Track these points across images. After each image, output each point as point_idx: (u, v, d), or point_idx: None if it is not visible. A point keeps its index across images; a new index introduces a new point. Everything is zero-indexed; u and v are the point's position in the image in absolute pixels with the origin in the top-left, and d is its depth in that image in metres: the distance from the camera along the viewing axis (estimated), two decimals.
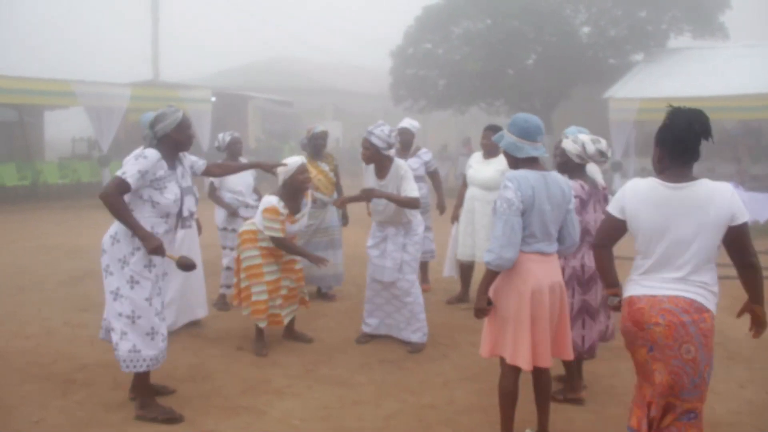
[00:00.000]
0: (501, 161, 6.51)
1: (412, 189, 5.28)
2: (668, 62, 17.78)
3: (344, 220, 7.13)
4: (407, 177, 5.32)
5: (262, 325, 5.33)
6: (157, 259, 4.05)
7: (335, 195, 6.86)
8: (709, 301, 2.99)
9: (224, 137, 6.80)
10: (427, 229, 7.03)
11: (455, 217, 6.79)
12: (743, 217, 2.95)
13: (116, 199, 3.89)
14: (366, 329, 5.74)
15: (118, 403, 4.37)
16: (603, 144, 4.40)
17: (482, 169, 6.46)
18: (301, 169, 5.26)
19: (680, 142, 3.00)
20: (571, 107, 19.40)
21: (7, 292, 7.22)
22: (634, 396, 3.25)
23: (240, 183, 6.68)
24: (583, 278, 4.33)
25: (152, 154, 3.97)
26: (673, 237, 2.99)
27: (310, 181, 5.44)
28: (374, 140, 5.26)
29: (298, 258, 5.50)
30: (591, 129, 4.67)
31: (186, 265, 4.09)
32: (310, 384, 4.76)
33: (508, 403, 3.72)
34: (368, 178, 5.49)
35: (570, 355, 3.79)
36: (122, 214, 3.90)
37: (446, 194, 7.38)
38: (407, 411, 4.33)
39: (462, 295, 6.96)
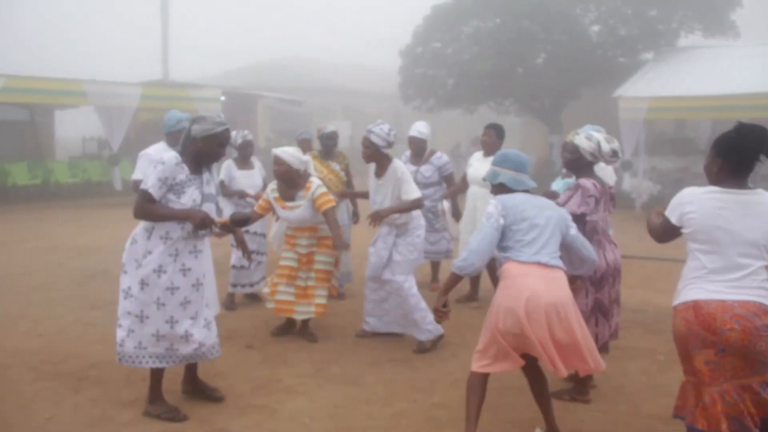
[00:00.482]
0: None
1: (412, 191, 5.38)
2: (678, 61, 17.69)
3: (354, 217, 7.20)
4: (405, 179, 5.39)
5: (270, 306, 5.60)
6: (178, 266, 4.02)
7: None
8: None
9: (236, 137, 6.83)
10: (443, 228, 7.02)
11: (457, 216, 6.85)
12: None
13: (149, 210, 3.96)
14: (366, 327, 5.80)
15: (129, 401, 4.40)
16: (616, 144, 4.41)
17: (482, 167, 6.47)
18: (276, 161, 5.41)
19: (746, 157, 3.13)
20: (581, 106, 19.33)
21: (20, 291, 7.27)
22: (686, 405, 3.22)
23: (249, 185, 6.74)
24: (596, 277, 4.32)
25: (170, 158, 3.96)
26: (737, 241, 3.06)
27: (281, 171, 5.40)
28: (373, 138, 5.35)
29: (321, 258, 5.56)
30: (600, 127, 4.63)
31: (240, 220, 4.27)
32: (320, 383, 4.78)
33: (472, 398, 3.64)
34: (371, 178, 5.56)
35: (600, 366, 3.71)
36: (160, 216, 3.98)
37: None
38: (417, 410, 4.33)
39: (472, 294, 6.97)
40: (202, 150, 4.05)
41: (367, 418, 4.21)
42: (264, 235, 6.80)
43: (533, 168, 18.69)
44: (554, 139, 19.84)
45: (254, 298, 6.90)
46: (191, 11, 46.76)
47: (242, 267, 6.61)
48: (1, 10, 52.01)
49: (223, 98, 18.61)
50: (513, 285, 3.53)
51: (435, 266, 7.47)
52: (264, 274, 6.83)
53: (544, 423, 3.89)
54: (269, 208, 5.53)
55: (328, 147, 6.89)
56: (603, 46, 19.94)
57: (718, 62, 16.48)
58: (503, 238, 3.64)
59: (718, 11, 19.13)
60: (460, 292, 7.17)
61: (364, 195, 5.46)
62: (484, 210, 6.32)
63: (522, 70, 20.28)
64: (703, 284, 3.11)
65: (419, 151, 7.05)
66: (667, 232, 3.32)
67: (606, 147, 4.33)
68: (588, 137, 4.37)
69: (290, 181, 5.41)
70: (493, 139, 6.58)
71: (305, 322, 5.71)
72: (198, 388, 4.43)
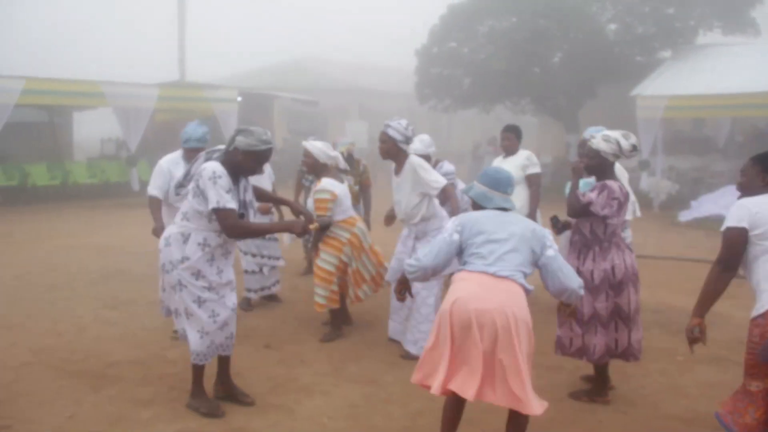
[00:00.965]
0: (519, 157, 6.59)
1: (434, 180, 5.19)
2: (697, 59, 17.50)
3: (366, 224, 7.21)
4: (423, 170, 5.20)
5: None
6: (214, 269, 4.10)
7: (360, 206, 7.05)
8: None
9: None
10: None
11: None
12: None
13: (239, 226, 4.02)
14: (389, 333, 5.74)
15: (147, 399, 4.43)
16: (634, 138, 4.36)
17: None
18: (305, 153, 5.68)
19: None
20: (598, 105, 19.21)
21: (39, 290, 7.35)
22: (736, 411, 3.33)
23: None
24: (615, 280, 4.24)
25: (222, 172, 3.94)
26: None
27: (308, 163, 5.67)
28: (391, 132, 5.22)
29: (324, 256, 5.57)
30: (618, 127, 4.59)
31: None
32: (338, 382, 4.79)
33: (444, 415, 3.55)
34: (392, 176, 5.52)
35: (531, 408, 3.21)
36: (254, 231, 4.15)
37: None
38: (435, 410, 4.31)
39: None
40: (241, 163, 4.03)
41: (385, 417, 4.21)
42: (276, 239, 6.79)
43: (550, 167, 18.63)
44: (571, 139, 19.71)
45: (272, 299, 6.90)
46: (208, 13, 47.00)
47: (254, 272, 6.64)
48: (21, 14, 52.61)
49: (239, 99, 18.66)
50: (450, 291, 3.43)
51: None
52: (278, 278, 6.84)
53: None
54: None
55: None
56: (620, 44, 19.79)
57: (738, 60, 16.28)
58: (464, 253, 3.53)
59: (738, 8, 18.91)
60: None
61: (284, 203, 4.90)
62: None
63: (538, 69, 20.19)
64: None
65: None
66: (741, 242, 3.36)
67: (625, 144, 4.29)
68: (606, 139, 4.32)
69: (315, 173, 5.70)
70: (513, 141, 6.63)
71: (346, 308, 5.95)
72: (230, 391, 4.44)
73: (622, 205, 4.23)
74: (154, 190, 5.60)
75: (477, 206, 3.71)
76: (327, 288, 5.55)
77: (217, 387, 4.44)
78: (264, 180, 6.84)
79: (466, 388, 3.23)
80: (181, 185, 4.28)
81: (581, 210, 4.26)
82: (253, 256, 6.60)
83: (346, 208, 5.58)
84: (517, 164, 6.49)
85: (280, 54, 38.13)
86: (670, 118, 15.80)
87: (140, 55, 48.70)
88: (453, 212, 5.46)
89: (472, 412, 4.24)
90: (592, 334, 4.28)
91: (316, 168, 5.62)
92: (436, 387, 3.29)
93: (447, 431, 3.52)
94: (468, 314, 3.24)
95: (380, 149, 5.39)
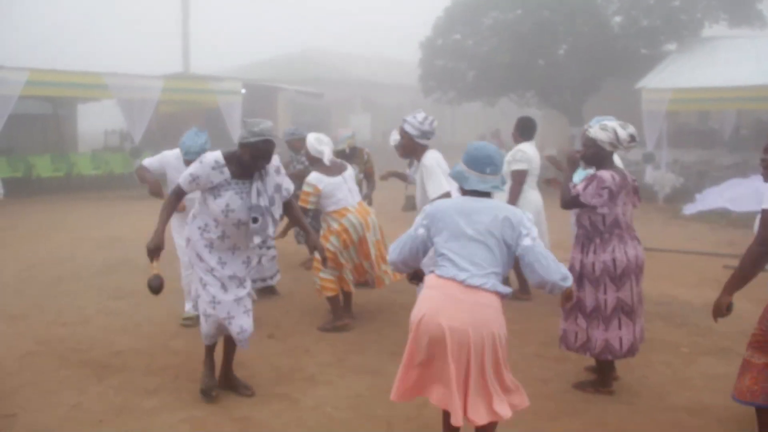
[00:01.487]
0: (511, 151, 6.56)
1: (435, 188, 4.82)
2: (702, 51, 17.42)
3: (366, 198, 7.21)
4: (429, 174, 4.88)
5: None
6: (214, 258, 4.14)
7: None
8: None
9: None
10: None
11: None
12: None
13: (167, 198, 4.10)
14: None
15: (152, 389, 4.44)
16: (632, 128, 4.30)
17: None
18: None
19: None
20: (602, 98, 19.15)
21: (44, 281, 7.36)
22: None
23: None
24: (615, 273, 4.19)
25: (209, 159, 3.94)
26: None
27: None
28: (407, 128, 5.03)
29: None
30: (623, 120, 4.56)
31: (149, 286, 3.83)
32: (342, 372, 4.79)
33: (445, 413, 3.27)
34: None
35: (480, 420, 3.09)
36: (161, 211, 4.05)
37: None
38: None
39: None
40: (241, 157, 3.95)
41: (389, 407, 4.21)
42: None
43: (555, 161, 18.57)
44: (575, 132, 19.64)
45: (271, 292, 6.87)
46: (212, 5, 46.92)
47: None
48: (25, 7, 52.57)
49: (243, 91, 18.63)
50: (421, 298, 3.21)
51: None
52: (278, 269, 6.84)
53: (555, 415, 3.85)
54: None
55: (341, 156, 7.01)
56: (625, 37, 19.70)
57: (744, 52, 16.20)
58: (434, 249, 3.29)
59: (744, 1, 18.82)
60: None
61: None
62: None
63: (543, 62, 20.13)
64: None
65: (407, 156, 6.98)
66: None
67: (623, 133, 4.23)
68: (603, 128, 4.28)
69: (311, 163, 5.93)
70: (514, 133, 6.62)
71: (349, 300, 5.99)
72: (230, 383, 4.45)
73: (614, 194, 4.15)
74: (146, 162, 5.63)
75: (463, 190, 3.39)
76: (318, 276, 5.68)
77: (219, 377, 4.46)
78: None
79: (454, 408, 3.04)
80: None
81: (571, 202, 4.24)
82: None
83: (337, 200, 5.65)
84: (507, 158, 6.32)
85: (284, 46, 38.12)
86: (675, 111, 15.75)
87: (144, 48, 48.73)
88: None
89: None
90: (594, 327, 4.26)
91: (311, 159, 5.87)
92: (396, 394, 3.28)
93: (448, 429, 3.37)
94: (439, 330, 3.03)
95: (399, 147, 5.27)
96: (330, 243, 5.60)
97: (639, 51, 19.78)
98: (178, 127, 20.45)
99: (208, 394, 4.23)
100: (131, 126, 16.36)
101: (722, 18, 19.31)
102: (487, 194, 3.32)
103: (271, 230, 4.06)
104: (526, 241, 3.12)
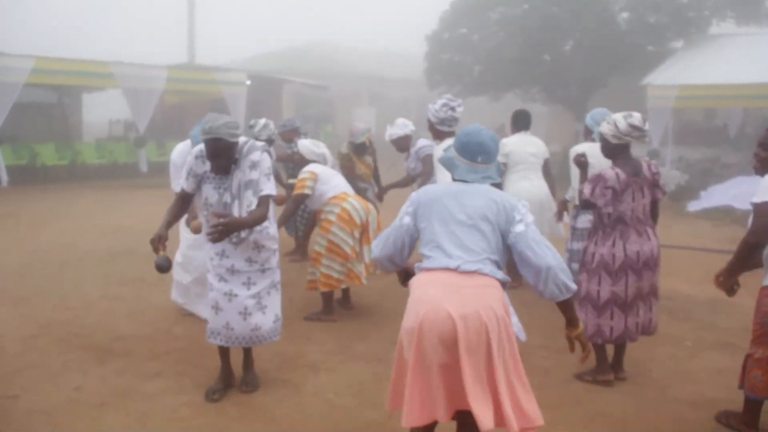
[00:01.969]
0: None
1: (442, 179, 4.89)
2: (709, 49, 17.35)
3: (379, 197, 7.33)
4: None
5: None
6: (217, 246, 4.05)
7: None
8: None
9: (260, 131, 7.24)
10: None
11: None
12: None
13: (173, 200, 4.08)
14: None
15: (154, 373, 4.45)
16: (635, 117, 4.20)
17: None
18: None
19: None
20: (609, 95, 19.04)
21: (48, 268, 7.37)
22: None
23: None
24: (613, 268, 4.20)
25: (195, 150, 3.99)
26: None
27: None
28: (429, 115, 5.22)
29: (318, 239, 5.68)
30: None
31: (156, 265, 3.76)
32: (345, 360, 4.79)
33: None
34: None
35: (517, 424, 2.67)
36: (166, 212, 4.04)
37: None
38: None
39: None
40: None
41: None
42: None
43: (560, 156, 18.53)
44: (581, 128, 19.61)
45: None
46: None
47: None
48: None
49: (248, 82, 18.63)
50: (412, 300, 2.84)
51: None
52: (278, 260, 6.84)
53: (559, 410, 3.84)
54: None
55: (361, 150, 7.24)
56: (632, 33, 19.62)
57: (751, 50, 16.12)
58: (421, 241, 2.97)
59: None
60: None
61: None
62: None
63: (549, 57, 20.06)
64: None
65: (402, 149, 7.02)
66: None
67: (622, 123, 4.18)
68: (606, 121, 4.31)
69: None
70: (511, 126, 6.84)
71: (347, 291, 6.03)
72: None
73: (617, 193, 4.15)
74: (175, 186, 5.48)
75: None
76: (317, 269, 5.59)
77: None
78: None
79: (481, 411, 2.62)
80: None
81: (584, 204, 4.33)
82: None
83: (335, 184, 5.67)
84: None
85: (291, 38, 38.06)
86: (681, 108, 15.70)
87: (150, 37, 48.67)
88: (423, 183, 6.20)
89: None
90: (584, 311, 4.28)
91: (302, 164, 5.88)
92: (440, 417, 2.72)
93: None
94: (449, 322, 2.64)
95: (395, 142, 5.71)
96: (332, 233, 5.49)
97: (645, 47, 19.70)
98: (183, 117, 20.54)
99: (208, 395, 4.13)
100: (136, 116, 16.37)
101: (730, 16, 19.22)
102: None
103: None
104: (519, 227, 2.82)
